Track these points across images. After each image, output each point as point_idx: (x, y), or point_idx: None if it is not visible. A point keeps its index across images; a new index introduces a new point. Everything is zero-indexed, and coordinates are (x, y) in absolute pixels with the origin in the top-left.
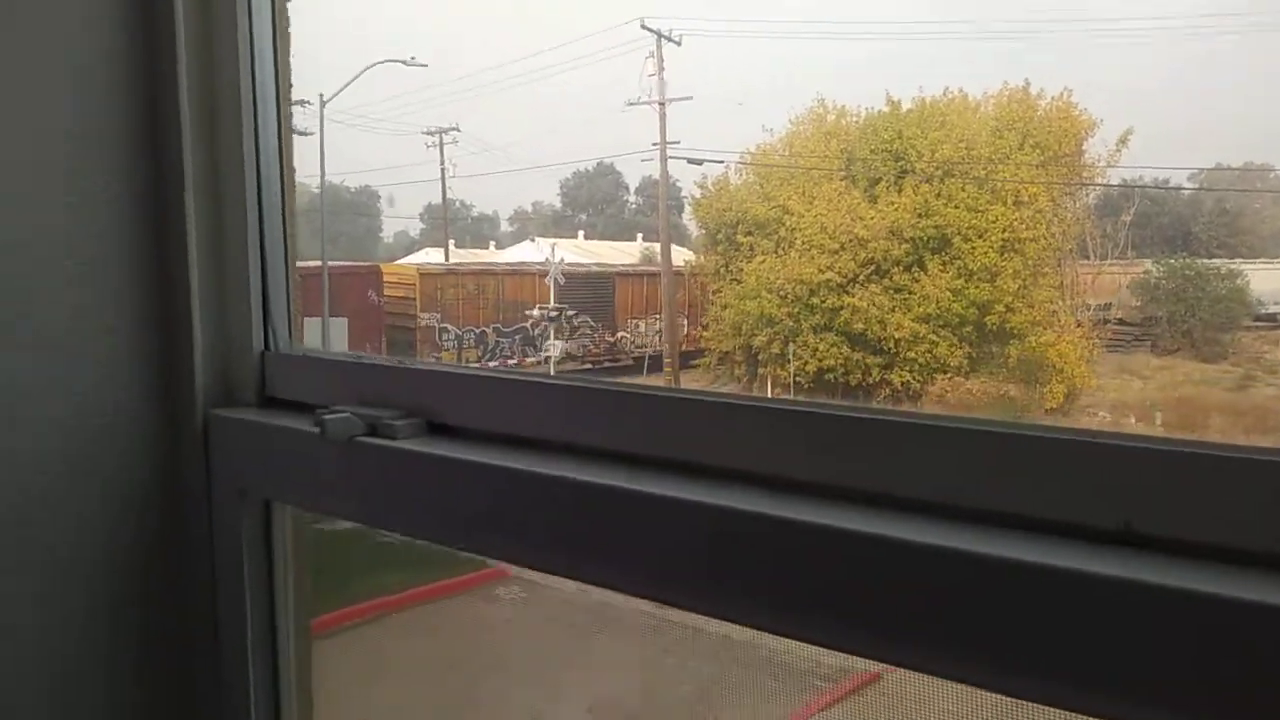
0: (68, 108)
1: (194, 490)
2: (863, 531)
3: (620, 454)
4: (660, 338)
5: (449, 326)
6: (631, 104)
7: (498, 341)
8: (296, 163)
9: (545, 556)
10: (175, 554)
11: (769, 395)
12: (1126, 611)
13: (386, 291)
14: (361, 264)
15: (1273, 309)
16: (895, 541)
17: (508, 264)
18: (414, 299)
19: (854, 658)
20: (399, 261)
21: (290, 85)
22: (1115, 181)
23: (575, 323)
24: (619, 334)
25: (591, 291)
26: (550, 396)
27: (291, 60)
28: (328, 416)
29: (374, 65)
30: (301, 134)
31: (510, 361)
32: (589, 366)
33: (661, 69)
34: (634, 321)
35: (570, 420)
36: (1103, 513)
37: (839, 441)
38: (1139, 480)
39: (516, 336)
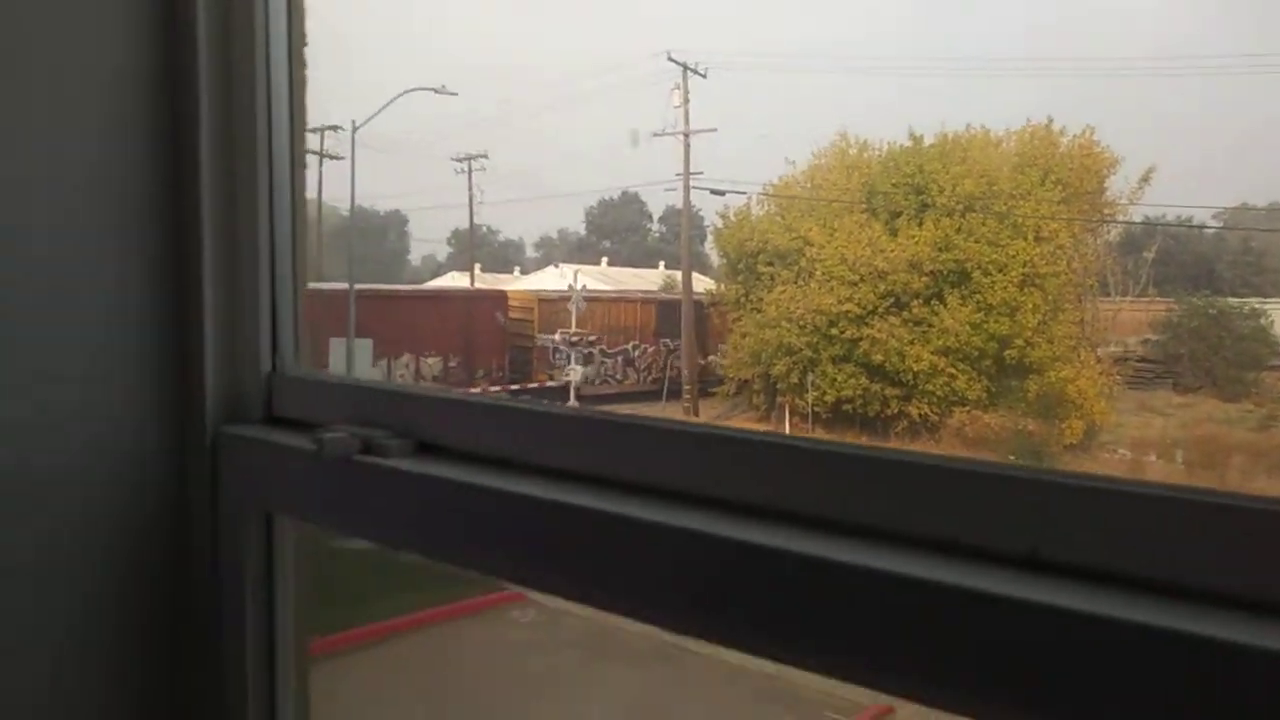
0: (95, 145)
1: (200, 502)
2: (803, 553)
3: (602, 479)
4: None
5: (561, 347)
6: (657, 135)
7: (603, 361)
8: (327, 187)
9: (524, 572)
10: (182, 562)
11: (785, 425)
12: (1032, 631)
13: (511, 314)
14: (490, 289)
15: None
16: (833, 563)
17: (613, 291)
18: (532, 321)
19: (866, 695)
20: (435, 282)
21: (304, 122)
22: (1138, 219)
23: (671, 346)
24: (709, 357)
25: (679, 317)
26: (532, 421)
27: (318, 91)
28: (326, 435)
29: (406, 93)
30: (333, 158)
31: (614, 379)
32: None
33: (686, 101)
34: (722, 346)
35: (550, 444)
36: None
37: (784, 470)
38: (1044, 511)
39: (619, 357)
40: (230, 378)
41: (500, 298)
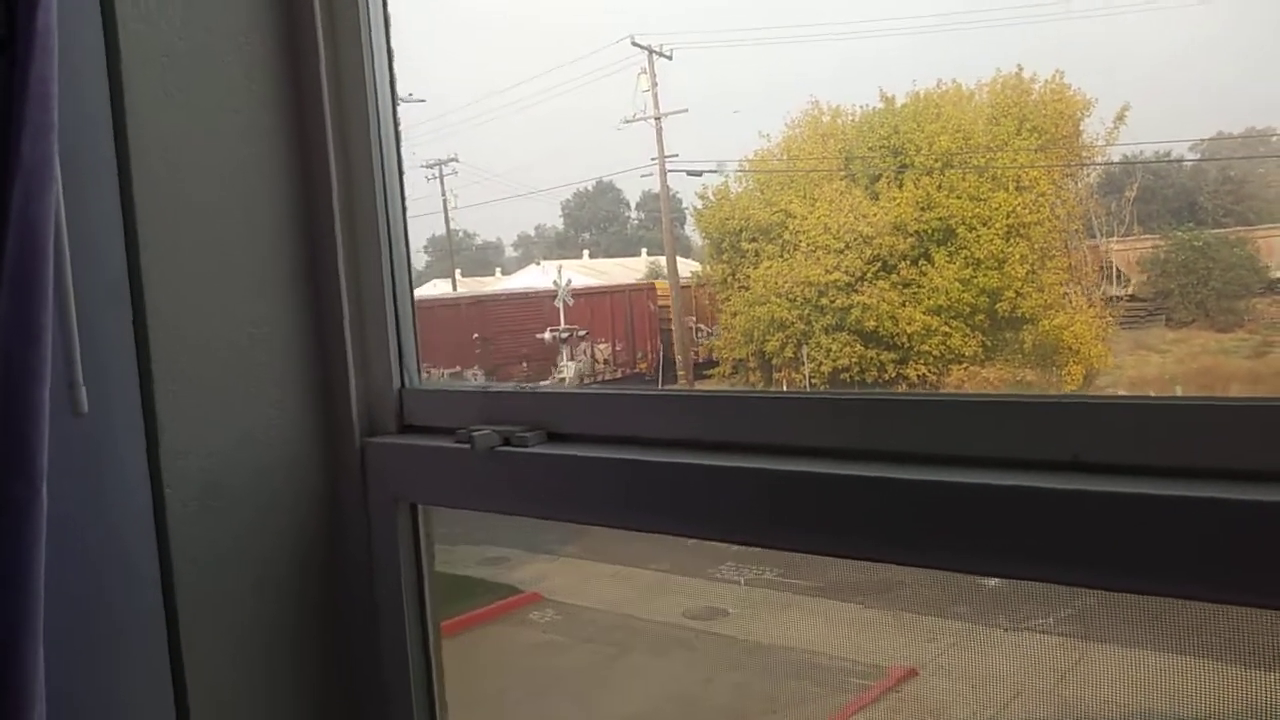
0: (242, 189)
1: (354, 502)
2: (897, 478)
3: (693, 442)
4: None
5: (703, 326)
6: (628, 121)
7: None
8: None
9: (646, 521)
10: (339, 553)
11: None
12: (1078, 513)
13: (659, 302)
14: (643, 282)
15: None
16: (924, 483)
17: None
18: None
19: (886, 658)
20: (420, 291)
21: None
22: (1116, 159)
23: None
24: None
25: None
26: (638, 404)
27: None
28: (476, 433)
29: None
30: None
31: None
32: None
33: (655, 84)
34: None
35: (655, 421)
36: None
37: (866, 417)
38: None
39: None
40: (368, 396)
41: (651, 289)
